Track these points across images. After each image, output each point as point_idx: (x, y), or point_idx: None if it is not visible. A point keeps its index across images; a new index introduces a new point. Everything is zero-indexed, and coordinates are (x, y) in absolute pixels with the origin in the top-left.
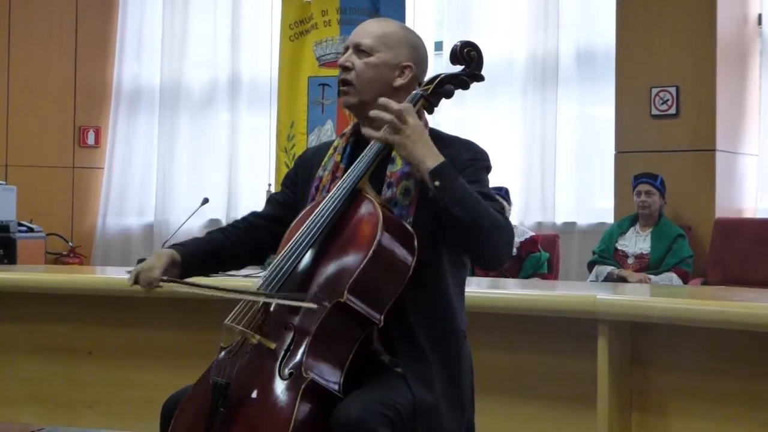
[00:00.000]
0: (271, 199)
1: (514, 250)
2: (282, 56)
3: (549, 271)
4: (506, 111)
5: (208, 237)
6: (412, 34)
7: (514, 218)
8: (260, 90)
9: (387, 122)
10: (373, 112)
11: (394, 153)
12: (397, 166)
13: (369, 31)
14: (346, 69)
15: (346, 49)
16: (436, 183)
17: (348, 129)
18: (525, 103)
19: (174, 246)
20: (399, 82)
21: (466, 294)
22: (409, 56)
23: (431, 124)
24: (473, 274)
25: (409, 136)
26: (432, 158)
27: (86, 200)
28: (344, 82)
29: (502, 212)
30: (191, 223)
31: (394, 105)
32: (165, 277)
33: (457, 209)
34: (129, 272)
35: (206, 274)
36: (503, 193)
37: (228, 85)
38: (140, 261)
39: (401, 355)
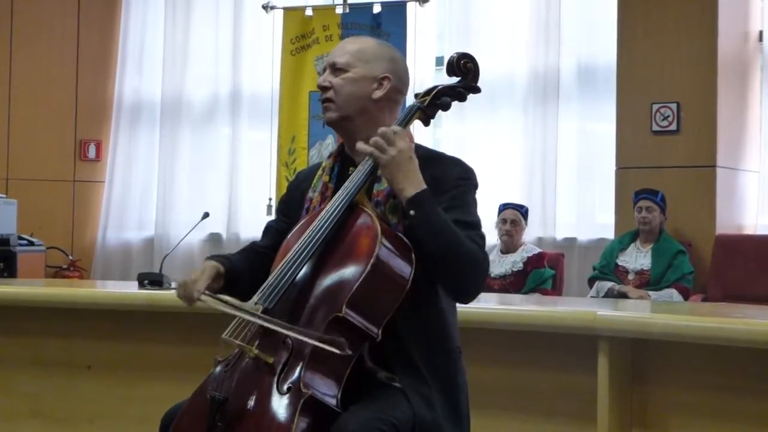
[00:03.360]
0: (269, 228)
1: (520, 264)
2: (283, 71)
3: (553, 288)
4: (507, 126)
5: (237, 255)
6: (388, 48)
7: None
8: (261, 104)
9: (373, 144)
10: (360, 145)
11: (380, 171)
12: (383, 185)
13: (344, 48)
14: (324, 89)
15: (324, 69)
16: (412, 212)
17: (335, 149)
18: (526, 118)
19: (216, 257)
20: (378, 94)
21: (464, 309)
22: (387, 68)
23: (432, 140)
24: None
25: (393, 158)
26: (412, 186)
27: (86, 214)
28: (325, 101)
29: (482, 243)
30: (192, 238)
31: (382, 129)
32: (207, 292)
33: (430, 242)
34: (177, 284)
35: (243, 294)
36: (523, 212)
37: (229, 99)
38: (140, 275)
39: (399, 374)
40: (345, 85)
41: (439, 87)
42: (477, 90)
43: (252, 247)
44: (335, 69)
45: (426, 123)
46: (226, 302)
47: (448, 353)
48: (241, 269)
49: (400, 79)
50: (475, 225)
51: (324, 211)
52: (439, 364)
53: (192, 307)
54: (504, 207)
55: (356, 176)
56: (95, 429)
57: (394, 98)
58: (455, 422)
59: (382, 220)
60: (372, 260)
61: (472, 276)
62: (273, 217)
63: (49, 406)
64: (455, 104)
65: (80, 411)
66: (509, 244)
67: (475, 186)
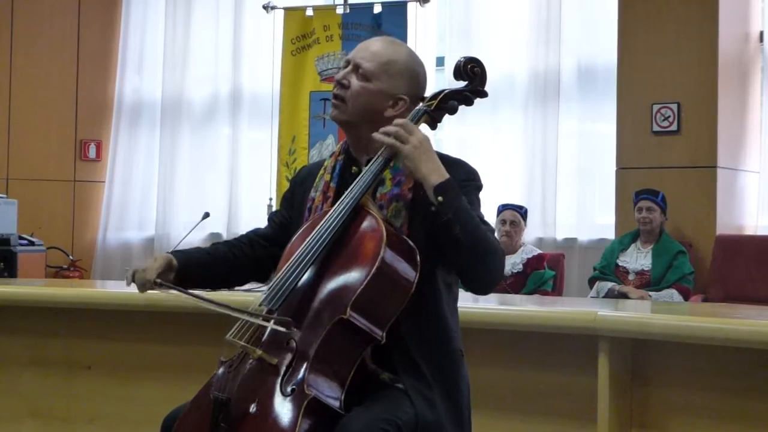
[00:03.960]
0: (270, 219)
1: (520, 266)
2: (284, 71)
3: (553, 289)
4: (508, 127)
5: (211, 248)
6: (415, 63)
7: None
8: (262, 104)
9: (392, 133)
10: (378, 133)
11: (384, 174)
12: (386, 188)
13: (374, 53)
14: (342, 86)
15: (347, 63)
16: (440, 199)
17: (337, 148)
18: (526, 119)
19: (174, 251)
20: (390, 113)
21: (465, 309)
22: (406, 89)
23: (433, 140)
24: None
25: (418, 147)
26: (436, 174)
27: (87, 214)
28: (337, 97)
29: (495, 237)
30: (192, 237)
31: (398, 120)
32: (159, 280)
33: (458, 228)
34: (127, 271)
35: (204, 285)
36: (522, 212)
37: (229, 99)
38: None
39: (401, 375)
40: (362, 94)
41: (446, 91)
42: (484, 94)
43: (247, 235)
44: (357, 71)
45: (433, 126)
46: (179, 290)
47: (450, 355)
48: (199, 265)
49: (415, 98)
50: (485, 220)
51: (329, 213)
52: (440, 365)
53: (144, 293)
54: (503, 208)
55: (362, 178)
56: (95, 429)
57: (403, 115)
58: (457, 423)
59: (387, 222)
60: (377, 263)
61: (496, 264)
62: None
63: (48, 405)
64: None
65: (80, 411)
66: (508, 245)
67: (479, 187)
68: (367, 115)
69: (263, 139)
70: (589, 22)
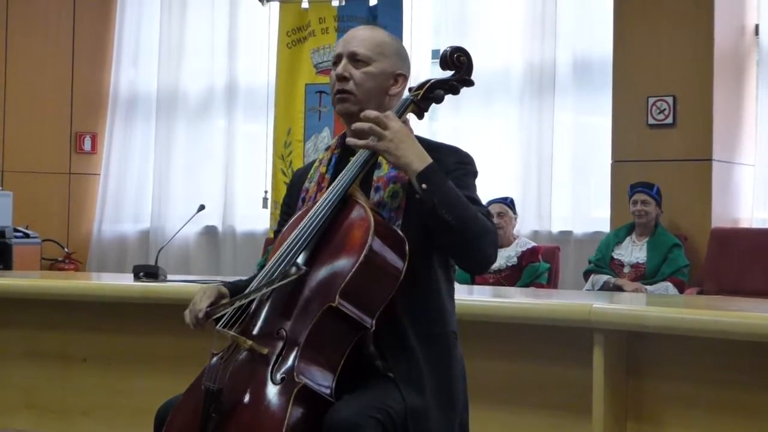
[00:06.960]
0: (277, 232)
1: (515, 259)
2: (279, 63)
3: (548, 282)
4: (503, 119)
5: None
6: (400, 44)
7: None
8: (257, 97)
9: (366, 130)
10: (356, 125)
11: (380, 158)
12: (383, 171)
13: (363, 39)
14: (344, 79)
15: (339, 57)
16: (423, 186)
17: (333, 141)
18: (522, 111)
19: (224, 283)
20: (394, 90)
21: (461, 302)
22: (402, 65)
23: (428, 132)
24: (473, 282)
25: (392, 140)
26: (419, 161)
27: (82, 206)
28: (342, 92)
29: (489, 216)
30: (187, 230)
31: (371, 113)
32: (208, 309)
33: (446, 212)
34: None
35: None
36: (508, 202)
37: (225, 92)
38: (136, 267)
39: (391, 359)
40: (367, 81)
41: (432, 81)
42: (470, 83)
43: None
44: (354, 60)
45: (420, 116)
46: (226, 304)
47: (444, 337)
48: (247, 286)
49: (408, 75)
50: (479, 201)
51: (318, 203)
52: (434, 347)
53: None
54: (488, 203)
55: (350, 168)
56: (90, 421)
57: (402, 94)
58: (446, 408)
59: (375, 212)
60: (365, 251)
61: (486, 244)
62: (268, 210)
63: (44, 398)
64: (452, 97)
65: (75, 403)
66: (502, 237)
67: (474, 173)
68: (375, 98)
69: (259, 131)
70: (585, 14)
